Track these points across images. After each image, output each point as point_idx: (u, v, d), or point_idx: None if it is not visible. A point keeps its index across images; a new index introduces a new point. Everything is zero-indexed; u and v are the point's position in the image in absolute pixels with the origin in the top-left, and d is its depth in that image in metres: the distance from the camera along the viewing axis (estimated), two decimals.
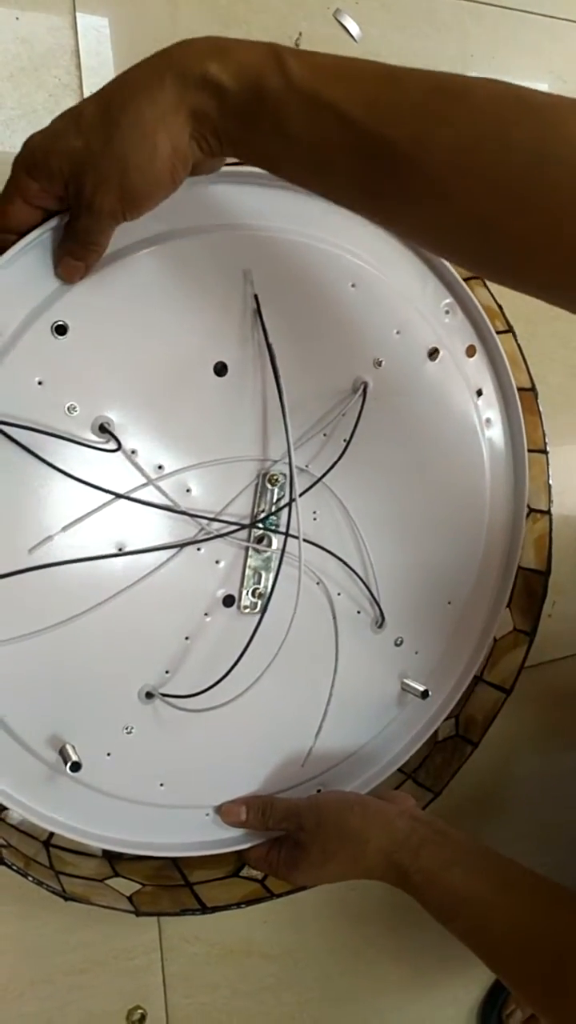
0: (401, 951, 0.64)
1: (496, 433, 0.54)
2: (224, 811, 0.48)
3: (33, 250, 0.37)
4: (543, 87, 0.65)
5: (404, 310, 0.48)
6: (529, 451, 0.54)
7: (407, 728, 0.55)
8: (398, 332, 0.48)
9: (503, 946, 0.42)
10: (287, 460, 0.44)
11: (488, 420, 0.53)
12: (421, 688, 0.52)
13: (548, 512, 0.56)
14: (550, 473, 0.55)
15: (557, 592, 0.62)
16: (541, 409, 0.56)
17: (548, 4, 0.63)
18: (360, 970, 0.63)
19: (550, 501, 0.56)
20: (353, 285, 0.46)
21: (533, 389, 0.55)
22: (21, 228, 0.36)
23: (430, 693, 0.52)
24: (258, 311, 0.42)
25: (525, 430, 0.54)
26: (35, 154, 0.34)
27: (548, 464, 0.55)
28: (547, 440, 0.56)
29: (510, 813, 0.67)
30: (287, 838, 0.48)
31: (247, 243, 0.43)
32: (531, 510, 0.56)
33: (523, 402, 0.54)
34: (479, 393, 0.52)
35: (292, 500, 0.45)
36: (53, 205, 0.36)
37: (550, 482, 0.56)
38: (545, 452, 0.55)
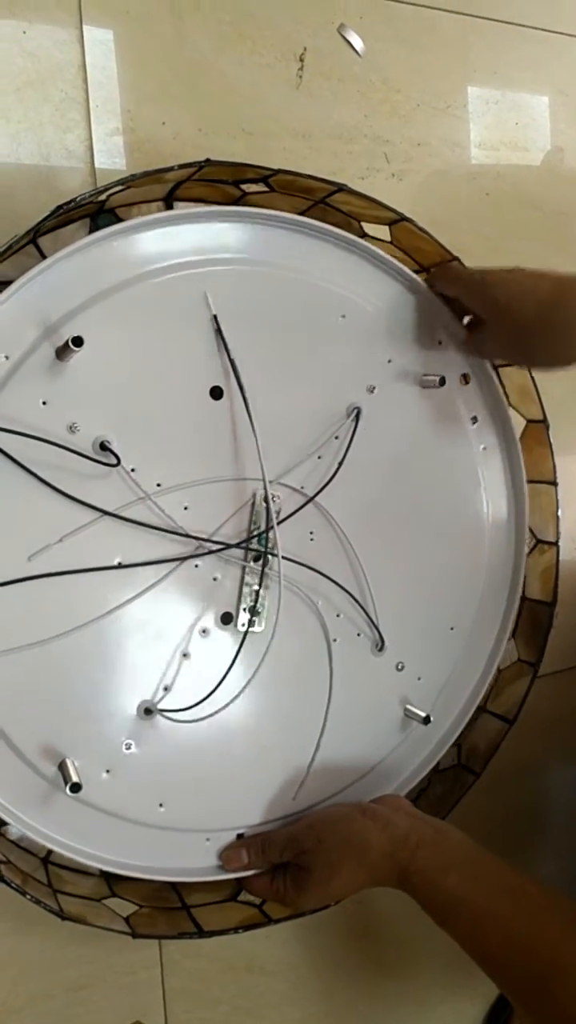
0: (403, 966, 0.63)
1: (493, 461, 0.54)
2: (226, 858, 0.48)
3: (39, 279, 0.39)
4: (544, 100, 0.65)
5: (396, 339, 0.50)
6: (538, 482, 0.55)
7: (412, 753, 0.54)
8: (390, 360, 0.50)
9: (498, 952, 0.41)
10: (277, 480, 0.46)
11: (484, 448, 0.54)
12: (423, 713, 0.52)
13: (556, 544, 0.56)
14: (559, 504, 0.56)
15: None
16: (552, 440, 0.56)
17: (548, 19, 0.64)
18: (362, 985, 0.63)
19: (558, 533, 0.56)
20: (343, 316, 0.48)
21: (544, 421, 0.55)
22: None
23: (432, 719, 0.52)
24: (219, 331, 0.44)
25: (533, 461, 0.54)
26: None
27: (557, 496, 0.56)
28: (557, 472, 0.56)
29: (509, 827, 0.67)
30: (289, 864, 0.47)
31: (241, 277, 0.45)
32: (538, 541, 0.56)
33: (533, 434, 0.54)
34: (474, 420, 0.53)
35: (270, 525, 0.45)
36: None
37: (559, 514, 0.56)
38: (555, 484, 0.55)
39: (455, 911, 0.42)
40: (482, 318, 0.49)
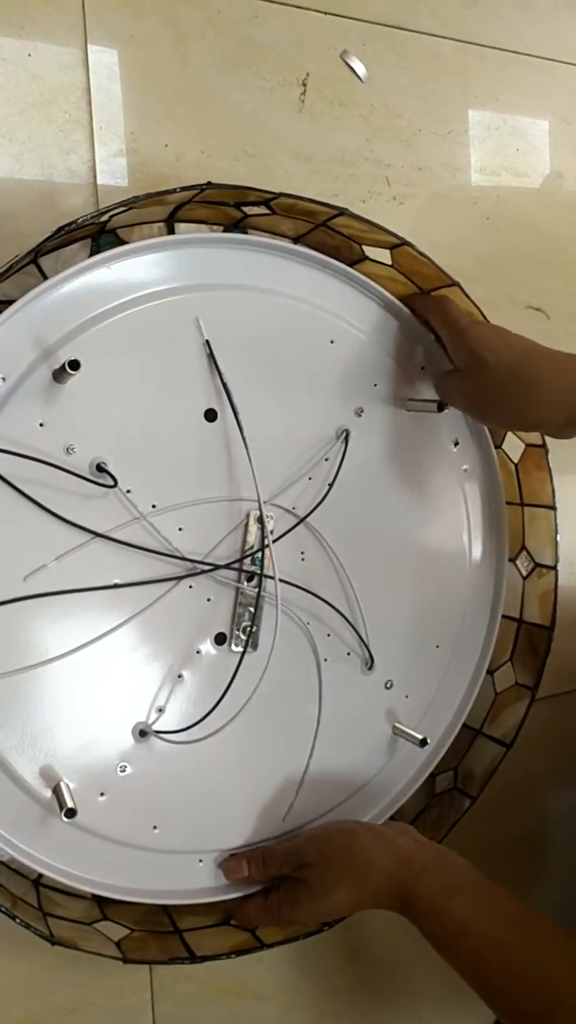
0: (398, 992, 0.63)
1: (474, 482, 0.55)
2: (227, 869, 0.47)
3: (37, 300, 0.39)
4: (545, 127, 0.65)
5: (382, 363, 0.51)
6: (537, 506, 0.55)
7: (400, 772, 0.54)
8: (376, 384, 0.50)
9: (499, 983, 0.41)
10: (270, 501, 0.46)
11: (466, 470, 0.55)
12: (419, 736, 0.52)
13: (554, 568, 0.56)
14: (558, 529, 0.56)
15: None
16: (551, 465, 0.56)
17: (548, 47, 0.65)
18: (355, 1011, 0.62)
19: (556, 557, 0.56)
20: (332, 341, 0.49)
21: (543, 446, 0.56)
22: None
23: (428, 741, 0.52)
24: (211, 355, 0.45)
25: (531, 486, 0.55)
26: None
27: (556, 520, 0.56)
28: (556, 497, 0.56)
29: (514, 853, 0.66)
30: (285, 878, 0.47)
31: (234, 302, 0.46)
32: (537, 565, 0.56)
33: (532, 458, 0.55)
34: (455, 443, 0.54)
35: (265, 544, 0.46)
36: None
37: (557, 538, 0.56)
38: (553, 508, 0.56)
39: (457, 938, 0.42)
40: (456, 365, 0.49)
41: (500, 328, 0.48)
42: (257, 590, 0.46)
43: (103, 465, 0.41)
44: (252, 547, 0.46)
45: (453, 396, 0.50)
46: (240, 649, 0.46)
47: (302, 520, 0.48)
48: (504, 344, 0.46)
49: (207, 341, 0.44)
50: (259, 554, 0.46)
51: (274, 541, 0.46)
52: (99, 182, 0.51)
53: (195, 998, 0.55)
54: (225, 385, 0.45)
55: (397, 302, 0.52)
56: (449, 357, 0.50)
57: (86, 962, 0.49)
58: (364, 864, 0.44)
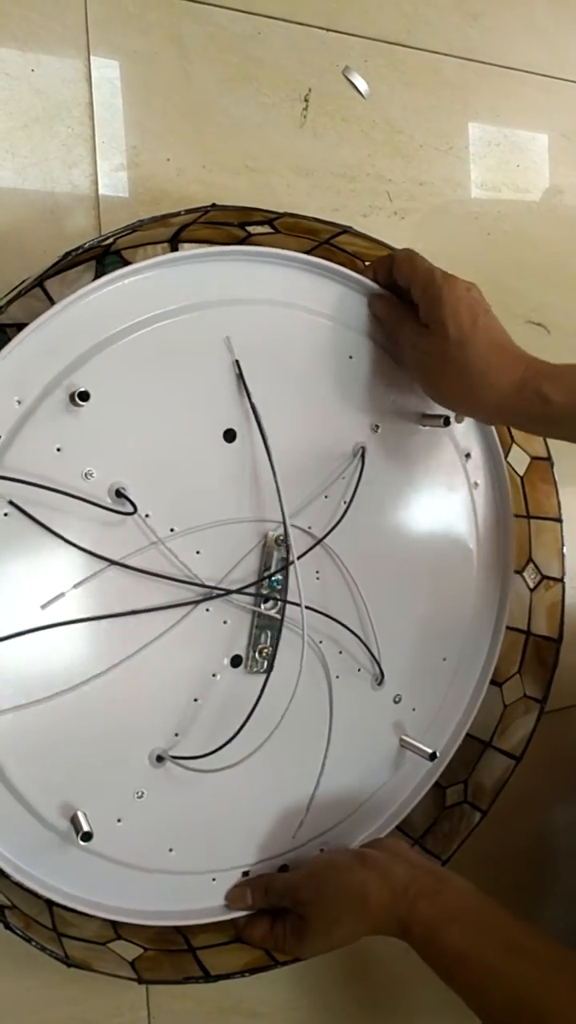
0: (397, 1012, 0.63)
1: (484, 495, 0.55)
2: (232, 897, 0.48)
3: (50, 323, 0.38)
4: (545, 144, 0.66)
5: (398, 379, 0.50)
6: (543, 519, 0.55)
7: (406, 783, 0.55)
8: (392, 400, 0.50)
9: (502, 1012, 0.40)
10: (288, 523, 0.45)
11: (476, 483, 0.55)
12: (429, 750, 0.52)
13: (561, 580, 0.56)
14: (564, 541, 0.56)
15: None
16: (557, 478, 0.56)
17: (547, 64, 0.65)
18: None
19: (563, 570, 0.56)
20: (351, 357, 0.48)
21: (549, 459, 0.56)
22: None
23: (438, 755, 0.52)
24: (240, 376, 0.44)
25: (537, 498, 0.55)
26: None
27: (562, 533, 0.56)
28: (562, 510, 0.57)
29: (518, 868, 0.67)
30: (289, 912, 0.47)
31: (249, 317, 0.45)
32: (544, 577, 0.57)
33: (537, 471, 0.55)
34: (467, 456, 0.54)
35: (290, 561, 0.45)
36: None
37: (564, 550, 0.56)
38: (560, 520, 0.56)
39: (458, 967, 0.41)
40: (421, 319, 0.46)
41: (475, 300, 0.44)
42: (280, 615, 0.46)
43: (122, 491, 0.40)
44: (270, 569, 0.46)
45: (405, 345, 0.47)
46: (256, 671, 0.46)
47: (320, 541, 0.47)
48: (471, 321, 0.43)
49: (236, 361, 0.44)
50: (277, 576, 0.46)
51: (292, 563, 0.46)
52: (101, 196, 0.50)
53: (192, 1015, 0.55)
54: (253, 406, 0.44)
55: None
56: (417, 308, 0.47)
57: (82, 979, 0.49)
58: (360, 899, 0.44)
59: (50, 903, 0.44)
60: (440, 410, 0.52)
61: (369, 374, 0.49)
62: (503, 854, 0.64)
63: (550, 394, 0.42)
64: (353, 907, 0.44)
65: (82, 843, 0.40)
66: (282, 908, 0.47)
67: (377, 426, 0.50)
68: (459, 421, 0.52)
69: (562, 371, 0.43)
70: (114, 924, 0.46)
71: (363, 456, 0.49)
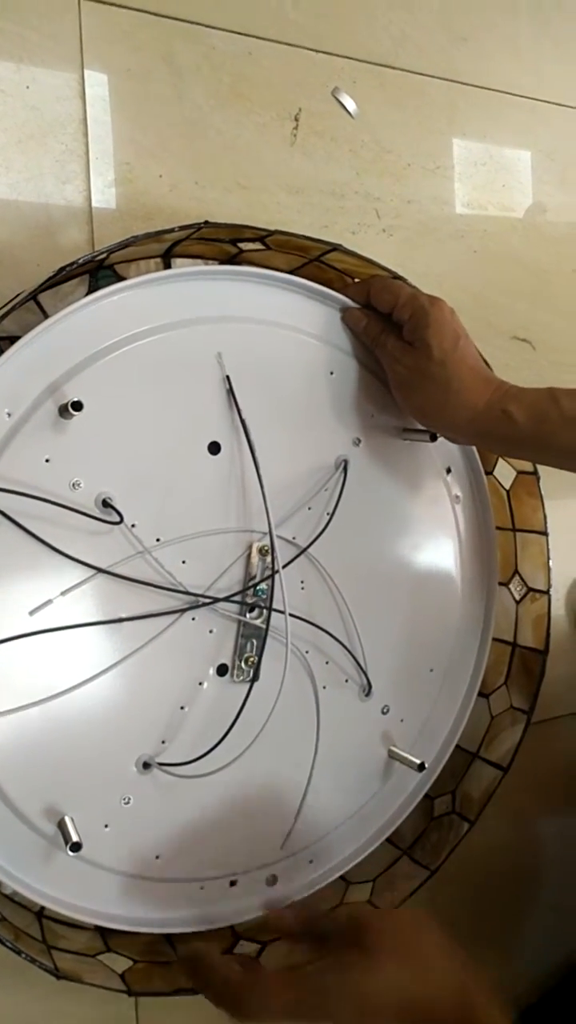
0: None
1: (466, 508, 0.56)
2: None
3: (41, 337, 0.39)
4: (529, 164, 0.67)
5: (378, 394, 0.51)
6: (529, 532, 0.56)
7: (395, 795, 0.55)
8: (373, 415, 0.51)
9: None
10: (274, 533, 0.46)
11: (457, 496, 0.56)
12: (417, 761, 0.52)
13: (547, 592, 0.57)
14: (550, 555, 0.57)
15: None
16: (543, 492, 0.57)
17: (531, 87, 0.67)
18: None
19: (549, 583, 0.57)
20: (332, 372, 0.50)
21: (535, 473, 0.57)
22: None
23: (426, 765, 0.53)
24: (231, 391, 0.45)
25: (524, 512, 0.56)
26: None
27: (548, 545, 0.57)
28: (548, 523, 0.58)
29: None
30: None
31: (236, 335, 0.46)
32: (530, 589, 0.58)
33: (524, 485, 0.56)
34: (448, 471, 0.55)
35: (275, 570, 0.46)
36: None
37: (550, 563, 0.57)
38: (545, 534, 0.57)
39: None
40: (405, 338, 0.48)
41: (457, 324, 0.47)
42: (265, 624, 0.47)
43: (109, 501, 0.41)
44: (255, 578, 0.47)
45: (387, 361, 0.49)
46: (241, 680, 0.47)
47: (304, 550, 0.48)
48: (453, 343, 0.46)
49: (227, 377, 0.45)
50: (262, 585, 0.47)
51: (276, 572, 0.47)
52: (94, 211, 0.51)
53: None
54: (243, 420, 0.45)
55: None
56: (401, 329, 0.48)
57: (69, 991, 0.49)
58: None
59: (39, 915, 0.45)
60: (413, 425, 0.53)
61: (351, 391, 0.51)
62: (490, 863, 0.65)
63: (514, 413, 0.45)
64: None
65: (71, 853, 0.40)
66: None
67: (359, 440, 0.51)
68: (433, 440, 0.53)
69: (527, 393, 0.46)
70: (104, 936, 0.46)
71: (345, 469, 0.50)
